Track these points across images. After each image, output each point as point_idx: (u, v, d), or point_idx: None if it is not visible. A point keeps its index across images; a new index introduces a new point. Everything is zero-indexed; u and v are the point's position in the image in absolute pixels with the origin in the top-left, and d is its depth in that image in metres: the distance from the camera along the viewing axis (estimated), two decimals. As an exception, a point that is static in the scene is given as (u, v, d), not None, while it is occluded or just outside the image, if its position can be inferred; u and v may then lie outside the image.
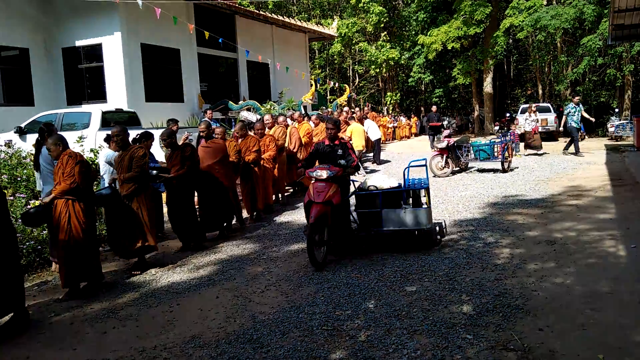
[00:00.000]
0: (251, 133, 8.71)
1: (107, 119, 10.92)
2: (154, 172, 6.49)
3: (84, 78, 14.82)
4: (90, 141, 10.05)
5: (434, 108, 19.76)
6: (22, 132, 10.71)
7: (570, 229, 6.62)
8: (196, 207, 7.23)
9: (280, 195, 9.73)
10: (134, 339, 4.18)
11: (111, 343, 4.12)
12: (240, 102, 17.29)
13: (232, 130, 8.74)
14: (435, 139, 13.95)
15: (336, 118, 7.96)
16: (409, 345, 3.70)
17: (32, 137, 9.89)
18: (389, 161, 16.12)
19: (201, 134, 7.66)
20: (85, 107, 12.47)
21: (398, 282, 5.04)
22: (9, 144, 9.21)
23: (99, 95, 14.47)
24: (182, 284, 5.48)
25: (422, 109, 36.08)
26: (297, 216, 8.57)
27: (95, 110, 11.02)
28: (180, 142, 7.29)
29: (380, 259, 5.81)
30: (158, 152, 8.64)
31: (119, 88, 14.14)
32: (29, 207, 5.54)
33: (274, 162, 8.80)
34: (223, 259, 6.33)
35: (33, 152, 6.42)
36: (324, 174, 5.71)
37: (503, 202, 8.71)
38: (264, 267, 5.87)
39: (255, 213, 8.42)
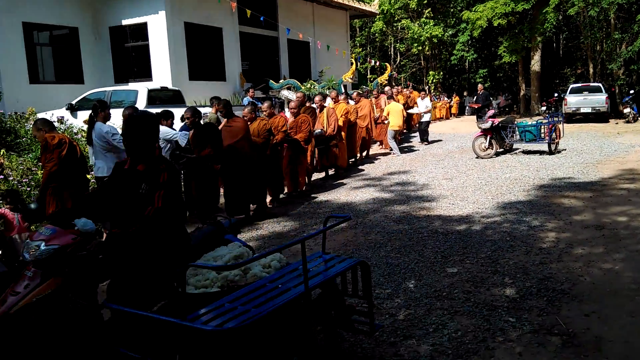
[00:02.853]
0: (287, 113, 8.58)
1: (153, 97, 11.19)
2: (178, 152, 6.55)
3: (130, 56, 15.18)
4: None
5: (479, 87, 18.81)
6: (72, 109, 11.11)
7: (620, 214, 6.38)
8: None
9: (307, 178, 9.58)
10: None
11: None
12: (281, 81, 17.34)
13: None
14: (478, 120, 13.58)
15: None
16: (450, 326, 3.70)
17: (83, 114, 10.29)
18: (439, 140, 15.85)
19: (219, 113, 7.36)
20: (132, 85, 12.82)
21: (439, 263, 5.01)
22: (61, 120, 9.59)
23: (145, 73, 14.81)
24: (225, 258, 5.63)
25: (466, 88, 35.17)
26: (335, 195, 8.60)
27: (141, 88, 11.31)
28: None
29: (421, 240, 5.78)
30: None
31: (164, 66, 14.42)
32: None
33: (307, 143, 8.59)
34: (264, 235, 6.45)
35: (85, 128, 6.66)
36: None
37: (549, 184, 8.46)
38: (304, 244, 5.95)
39: (282, 195, 8.29)
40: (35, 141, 7.84)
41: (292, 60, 20.01)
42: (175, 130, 7.17)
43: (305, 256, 2.72)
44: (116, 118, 7.40)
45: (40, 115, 8.69)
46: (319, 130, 9.32)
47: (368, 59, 31.99)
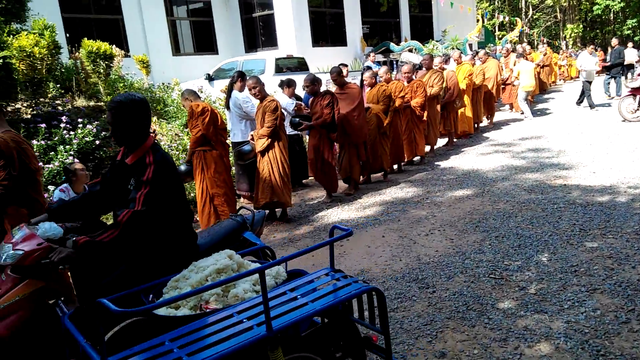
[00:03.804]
0: (396, 78, 8.26)
1: (280, 65, 11.67)
2: (297, 119, 6.69)
3: (257, 26, 15.88)
4: (267, 87, 10.81)
5: (614, 41, 14.75)
6: (210, 79, 12.02)
7: None
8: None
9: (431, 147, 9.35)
10: (310, 266, 4.64)
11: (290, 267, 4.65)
12: (402, 44, 16.95)
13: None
14: (624, 79, 11.98)
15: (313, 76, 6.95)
16: (588, 304, 3.50)
17: (219, 83, 11.08)
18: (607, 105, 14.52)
19: (333, 82, 7.17)
20: (260, 54, 13.45)
21: (576, 237, 4.70)
22: (200, 89, 10.44)
23: (271, 42, 15.42)
24: (350, 221, 5.85)
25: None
26: (460, 162, 8.35)
27: (269, 57, 11.84)
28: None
29: (556, 211, 5.44)
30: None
31: (289, 34, 14.88)
32: (241, 147, 6.26)
33: (423, 110, 8.29)
34: (388, 201, 6.54)
35: (222, 96, 7.19)
36: None
37: None
38: (428, 211, 5.94)
39: (395, 167, 8.14)
40: (180, 109, 8.67)
41: (414, 21, 19.39)
42: (292, 99, 7.39)
43: (265, 289, 2.02)
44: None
45: (184, 86, 9.51)
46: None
47: (496, 14, 29.76)
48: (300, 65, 12.51)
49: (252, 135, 6.02)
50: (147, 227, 2.55)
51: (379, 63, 14.01)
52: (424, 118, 8.35)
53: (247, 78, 6.15)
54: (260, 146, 5.80)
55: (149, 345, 1.96)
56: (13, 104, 7.37)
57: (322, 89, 7.71)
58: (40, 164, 6.19)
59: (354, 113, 6.75)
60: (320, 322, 2.56)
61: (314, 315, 2.19)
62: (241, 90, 6.61)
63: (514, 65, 12.50)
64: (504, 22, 28.35)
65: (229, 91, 6.69)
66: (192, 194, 6.21)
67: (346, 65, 9.93)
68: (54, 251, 2.41)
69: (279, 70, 11.48)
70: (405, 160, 8.36)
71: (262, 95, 5.85)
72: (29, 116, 7.23)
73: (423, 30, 19.77)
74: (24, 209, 3.56)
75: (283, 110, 7.10)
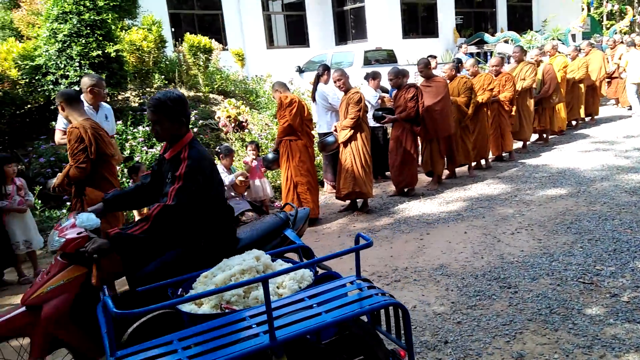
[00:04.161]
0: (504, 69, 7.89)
1: (368, 58, 11.70)
2: (379, 112, 6.63)
3: (348, 19, 15.99)
4: (354, 79, 10.91)
5: None
6: (300, 71, 12.34)
7: None
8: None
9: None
10: (389, 257, 4.70)
11: (368, 258, 4.72)
12: (497, 35, 16.21)
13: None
14: None
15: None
16: (689, 316, 3.23)
17: (309, 75, 11.36)
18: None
19: (420, 73, 7.02)
20: (349, 47, 13.56)
21: (681, 245, 4.31)
22: (291, 81, 10.78)
23: (361, 34, 15.48)
24: (432, 216, 5.80)
25: None
26: (554, 160, 7.90)
27: (358, 50, 11.91)
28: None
29: (660, 216, 5.01)
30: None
31: (379, 26, 14.84)
32: (325, 138, 6.45)
33: (512, 104, 7.90)
34: (472, 197, 6.38)
35: (311, 88, 7.38)
36: None
37: None
38: (516, 209, 5.72)
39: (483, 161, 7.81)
40: (271, 100, 9.03)
41: (511, 11, 18.45)
42: (377, 92, 7.38)
43: (268, 298, 1.94)
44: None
45: (276, 78, 9.87)
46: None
47: (604, 2, 27.38)
48: (389, 57, 12.45)
49: (335, 126, 6.15)
50: (179, 221, 2.55)
51: (471, 55, 13.54)
52: (513, 113, 8.00)
53: (333, 71, 6.27)
54: (343, 137, 5.91)
55: (158, 342, 1.97)
56: (123, 93, 8.12)
57: (411, 80, 7.64)
58: (144, 148, 6.79)
59: (437, 107, 6.64)
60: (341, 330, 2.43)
61: (325, 327, 2.05)
62: (327, 82, 6.78)
63: (621, 57, 11.47)
64: (613, 11, 25.97)
65: (315, 84, 6.88)
66: (278, 182, 6.48)
67: (435, 57, 9.73)
68: (90, 241, 2.50)
69: (367, 62, 11.52)
70: (491, 156, 8.08)
71: (346, 87, 5.95)
72: (136, 104, 7.92)
73: (521, 20, 18.75)
74: (99, 191, 3.86)
75: (367, 103, 7.15)
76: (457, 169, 7.46)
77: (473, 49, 15.32)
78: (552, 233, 4.89)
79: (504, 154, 8.25)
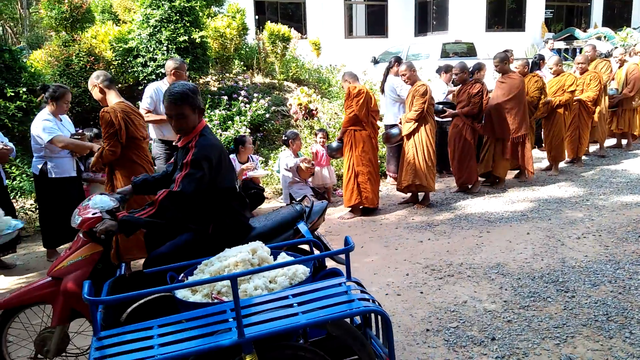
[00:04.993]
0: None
1: (447, 50, 11.47)
2: (440, 106, 6.50)
3: (430, 10, 15.69)
4: (430, 71, 10.79)
5: None
6: (375, 62, 12.34)
7: None
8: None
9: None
10: (444, 252, 4.70)
11: (425, 251, 4.76)
12: (589, 31, 15.21)
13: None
14: None
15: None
16: None
17: (383, 66, 11.34)
18: None
19: (495, 68, 6.75)
20: (428, 38, 13.34)
21: None
22: (364, 72, 10.83)
23: (442, 26, 15.15)
24: (494, 214, 5.69)
25: None
26: (636, 165, 7.40)
27: (436, 42, 11.70)
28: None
29: None
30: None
31: (462, 18, 14.46)
32: (389, 129, 6.52)
33: (595, 105, 7.47)
34: (540, 198, 6.17)
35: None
36: None
37: None
38: (585, 213, 5.48)
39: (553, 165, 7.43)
40: (342, 90, 9.16)
41: (608, 4, 17.18)
42: (448, 85, 7.25)
43: (236, 296, 1.96)
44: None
45: (351, 69, 9.98)
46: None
47: None
48: (469, 50, 12.12)
49: (400, 118, 6.17)
50: (185, 207, 2.62)
51: (557, 51, 12.86)
52: (596, 116, 7.55)
53: (401, 64, 6.28)
54: (407, 130, 5.92)
55: (139, 327, 2.05)
56: (204, 77, 8.59)
57: (489, 75, 7.41)
58: (219, 131, 7.18)
59: (508, 105, 6.43)
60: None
61: (298, 328, 2.05)
62: (397, 74, 6.78)
63: None
64: None
65: (385, 75, 6.91)
66: (342, 170, 6.61)
67: (510, 51, 9.34)
68: (100, 222, 2.59)
69: (445, 55, 11.31)
70: (566, 159, 7.69)
71: (412, 81, 5.94)
72: (215, 89, 8.36)
73: (619, 16, 17.44)
74: (128, 173, 4.01)
75: (435, 96, 7.07)
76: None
77: (561, 45, 14.52)
78: (621, 240, 4.66)
79: (583, 157, 7.84)
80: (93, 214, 2.70)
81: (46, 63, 7.38)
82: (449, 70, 7.23)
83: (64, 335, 2.77)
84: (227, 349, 1.97)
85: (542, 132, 7.69)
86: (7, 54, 6.07)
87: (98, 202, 2.76)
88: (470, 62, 8.32)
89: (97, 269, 2.70)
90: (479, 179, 6.72)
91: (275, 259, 2.56)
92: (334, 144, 6.12)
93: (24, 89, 5.96)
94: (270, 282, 2.34)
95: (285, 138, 6.34)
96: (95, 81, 4.09)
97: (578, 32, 14.98)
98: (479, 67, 6.89)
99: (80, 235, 2.76)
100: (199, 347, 1.92)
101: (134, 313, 2.45)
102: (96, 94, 4.14)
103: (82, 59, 7.31)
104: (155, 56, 7.40)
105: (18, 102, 5.88)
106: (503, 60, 6.59)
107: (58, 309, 2.68)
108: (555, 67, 7.28)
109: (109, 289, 2.42)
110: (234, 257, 2.39)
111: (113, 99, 4.10)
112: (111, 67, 7.74)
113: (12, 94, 5.86)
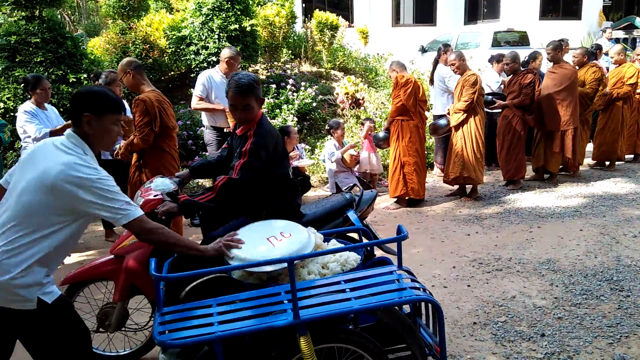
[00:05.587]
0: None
1: (498, 39, 11.15)
2: (490, 97, 6.32)
3: (481, -3, 15.27)
4: (481, 61, 10.52)
5: None
6: (423, 51, 12.14)
7: None
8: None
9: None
10: (492, 246, 4.64)
11: (472, 244, 4.71)
12: (653, 19, 14.40)
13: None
14: None
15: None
16: None
17: (431, 55, 11.15)
18: None
19: (547, 57, 6.49)
20: (478, 27, 12.99)
21: None
22: (412, 61, 10.69)
23: (493, 14, 14.71)
24: (546, 209, 5.55)
25: None
26: None
27: (486, 30, 11.39)
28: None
29: None
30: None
31: (514, 5, 13.99)
32: (436, 120, 6.45)
33: None
34: (594, 194, 5.97)
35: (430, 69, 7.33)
36: None
37: None
38: (644, 212, 5.27)
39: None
40: (389, 79, 9.08)
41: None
42: (500, 76, 7.06)
43: (293, 278, 2.04)
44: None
45: (398, 58, 9.90)
46: None
47: None
48: (521, 39, 11.73)
49: (449, 109, 6.07)
50: (242, 193, 2.69)
51: (616, 41, 12.26)
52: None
53: (451, 52, 6.15)
54: (455, 121, 5.82)
55: (199, 304, 2.16)
56: (253, 66, 8.71)
57: (544, 65, 7.17)
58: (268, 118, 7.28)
59: (560, 96, 6.19)
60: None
61: (350, 313, 2.13)
62: (446, 63, 6.67)
63: None
64: None
65: (434, 65, 6.81)
66: (387, 160, 6.60)
67: (565, 40, 8.96)
68: (162, 203, 2.69)
69: (496, 44, 10.99)
70: (621, 156, 7.32)
71: (461, 71, 5.83)
72: (264, 77, 8.47)
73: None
74: (158, 162, 4.04)
75: (487, 87, 6.91)
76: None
77: (620, 34, 13.82)
78: (684, 241, 4.46)
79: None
80: (154, 195, 2.81)
81: (104, 50, 7.68)
82: (502, 60, 7.04)
83: (124, 310, 2.92)
84: (282, 330, 2.04)
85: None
86: (69, 41, 6.36)
87: (159, 185, 2.86)
88: (522, 52, 8.09)
89: (156, 249, 2.78)
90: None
91: (326, 245, 2.60)
92: (381, 133, 6.10)
93: (85, 75, 6.24)
94: (322, 267, 2.41)
95: (328, 127, 6.37)
96: (126, 68, 4.08)
97: (639, 21, 14.21)
98: (534, 57, 6.66)
99: None
100: (256, 326, 2.01)
101: (191, 291, 2.56)
102: (128, 81, 4.12)
103: (137, 46, 7.56)
104: (207, 44, 7.56)
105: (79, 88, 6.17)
106: (556, 49, 6.35)
107: (119, 286, 2.81)
108: (617, 57, 6.96)
109: (169, 267, 2.53)
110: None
111: (145, 86, 4.09)
112: (165, 55, 7.96)
113: (74, 80, 6.15)
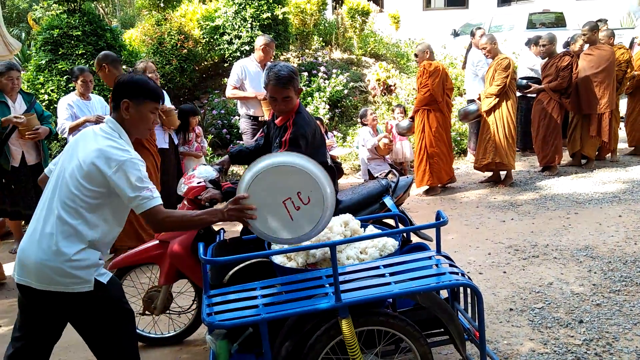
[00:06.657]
0: None
1: (533, 21, 10.85)
2: (524, 81, 6.16)
3: (518, -23, 14.82)
4: (515, 44, 10.25)
5: None
6: (456, 34, 11.91)
7: None
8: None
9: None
10: (529, 233, 4.60)
11: (507, 231, 4.68)
12: None
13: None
14: None
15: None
16: None
17: (464, 39, 10.96)
18: None
19: (583, 38, 6.26)
20: (512, 8, 12.65)
21: None
22: (444, 46, 10.53)
23: (529, -6, 14.27)
24: (583, 195, 5.45)
25: None
26: None
27: (521, 12, 11.09)
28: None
29: None
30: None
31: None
32: (466, 106, 6.38)
33: None
34: (634, 179, 5.82)
35: (464, 53, 7.22)
36: None
37: None
38: (688, 198, 5.12)
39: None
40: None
41: None
42: (539, 58, 6.89)
43: (335, 262, 2.07)
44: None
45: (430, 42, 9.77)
46: None
47: None
48: (558, 20, 11.36)
49: (480, 94, 5.98)
50: None
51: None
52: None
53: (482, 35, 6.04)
54: (487, 105, 5.73)
55: (244, 287, 2.26)
56: (285, 54, 8.76)
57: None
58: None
59: (597, 78, 6.01)
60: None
61: (390, 297, 2.17)
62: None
63: None
64: None
65: (468, 48, 6.71)
66: (407, 154, 6.60)
67: (606, 21, 8.65)
68: (205, 190, 2.77)
69: (531, 26, 10.69)
70: None
71: (493, 54, 5.72)
72: (296, 65, 8.52)
73: None
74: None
75: (529, 69, 6.77)
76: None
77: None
78: None
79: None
80: (198, 182, 2.90)
81: (141, 42, 7.85)
82: (537, 42, 6.88)
83: (169, 294, 3.05)
84: (324, 313, 2.11)
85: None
86: (108, 33, 6.54)
87: (202, 172, 2.95)
88: (559, 33, 7.84)
89: (199, 234, 2.91)
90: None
91: (363, 231, 2.65)
92: (405, 122, 6.06)
93: (124, 67, 6.41)
94: (360, 252, 2.45)
95: (359, 117, 6.41)
96: (102, 62, 4.10)
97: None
98: (575, 39, 6.46)
99: (186, 202, 2.96)
100: (299, 309, 2.08)
101: (234, 275, 2.66)
102: (104, 75, 4.15)
103: (173, 37, 7.71)
104: (240, 34, 7.64)
105: (119, 79, 6.34)
106: (592, 30, 6.16)
107: (164, 270, 2.93)
108: None
109: (213, 252, 2.62)
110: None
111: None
112: (199, 45, 8.09)
113: (114, 71, 6.32)
